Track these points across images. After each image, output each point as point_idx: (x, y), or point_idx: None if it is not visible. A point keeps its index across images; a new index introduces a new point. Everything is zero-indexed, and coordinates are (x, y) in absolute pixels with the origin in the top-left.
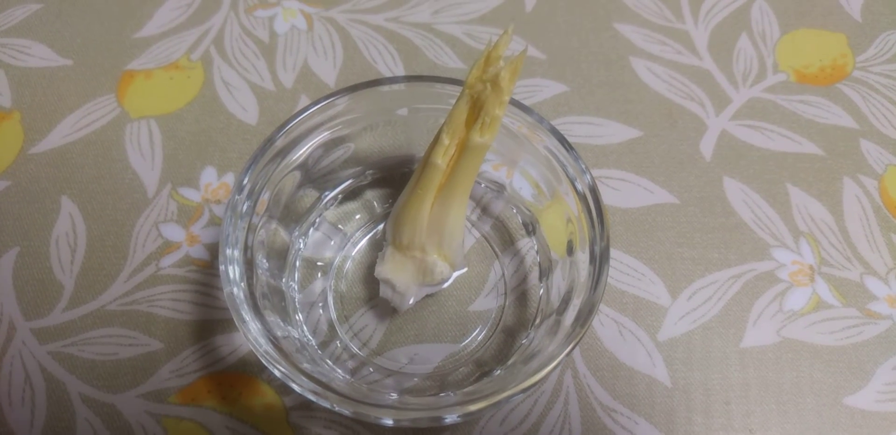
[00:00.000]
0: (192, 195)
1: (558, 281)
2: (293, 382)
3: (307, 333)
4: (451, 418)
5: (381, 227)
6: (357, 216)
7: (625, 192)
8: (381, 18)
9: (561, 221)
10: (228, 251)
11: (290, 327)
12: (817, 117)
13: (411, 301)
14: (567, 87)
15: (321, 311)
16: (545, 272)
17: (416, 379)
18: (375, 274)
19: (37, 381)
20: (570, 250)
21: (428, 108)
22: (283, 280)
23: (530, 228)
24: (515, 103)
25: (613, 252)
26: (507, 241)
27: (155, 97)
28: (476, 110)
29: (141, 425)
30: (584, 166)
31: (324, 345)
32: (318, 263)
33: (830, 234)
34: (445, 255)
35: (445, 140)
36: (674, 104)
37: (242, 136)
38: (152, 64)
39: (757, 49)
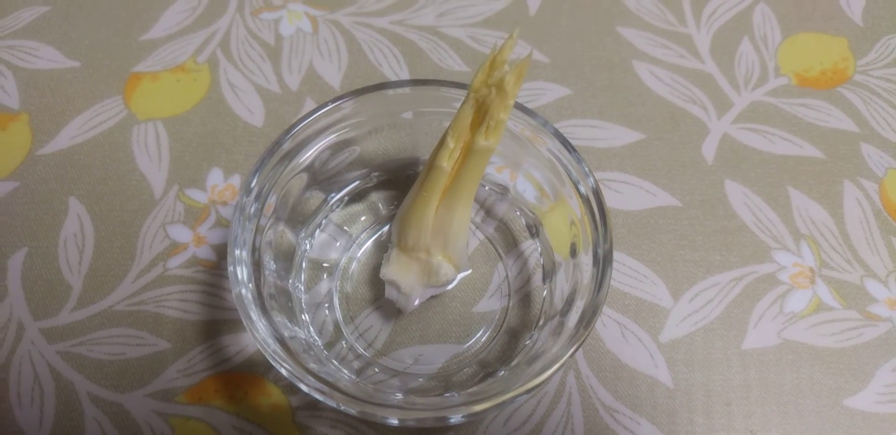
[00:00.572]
0: (198, 196)
1: (562, 283)
2: (300, 381)
3: (313, 334)
4: (455, 418)
5: (386, 228)
6: (362, 218)
7: (627, 194)
8: (385, 21)
9: (564, 223)
10: (237, 252)
11: (296, 328)
12: (818, 121)
13: (416, 302)
14: (570, 91)
15: (327, 311)
16: (549, 274)
17: (420, 379)
18: (381, 275)
19: (46, 380)
20: (574, 252)
21: (433, 112)
22: (290, 281)
23: (534, 231)
24: (519, 106)
25: (616, 254)
26: (510, 243)
27: (162, 99)
28: (481, 114)
29: (148, 424)
30: (587, 169)
31: (329, 345)
32: (324, 265)
33: (831, 236)
34: (450, 256)
35: (450, 143)
36: (676, 107)
37: (248, 138)
38: (159, 66)
39: (759, 53)
